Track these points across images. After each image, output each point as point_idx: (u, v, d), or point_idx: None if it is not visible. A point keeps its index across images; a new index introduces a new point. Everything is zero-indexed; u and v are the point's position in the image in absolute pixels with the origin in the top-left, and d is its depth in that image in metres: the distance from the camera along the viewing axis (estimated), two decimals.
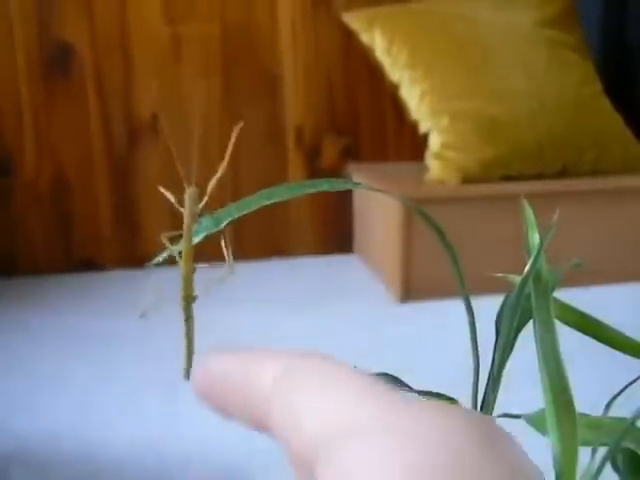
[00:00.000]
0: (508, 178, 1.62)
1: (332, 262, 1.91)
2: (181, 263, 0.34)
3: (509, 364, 0.34)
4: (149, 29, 1.78)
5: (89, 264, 1.83)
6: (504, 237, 1.58)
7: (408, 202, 0.31)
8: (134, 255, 1.83)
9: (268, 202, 0.26)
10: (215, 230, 0.32)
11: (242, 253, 1.88)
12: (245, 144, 1.85)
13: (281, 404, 0.20)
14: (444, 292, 1.52)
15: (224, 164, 0.32)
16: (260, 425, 0.21)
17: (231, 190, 1.86)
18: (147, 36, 1.78)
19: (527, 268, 0.31)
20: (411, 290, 1.54)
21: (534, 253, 0.31)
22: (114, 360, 1.26)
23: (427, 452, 0.17)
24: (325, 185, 0.34)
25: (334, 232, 1.96)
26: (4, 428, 1.01)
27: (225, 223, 0.31)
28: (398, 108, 1.86)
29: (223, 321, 1.40)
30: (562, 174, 1.67)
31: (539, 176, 1.64)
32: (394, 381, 0.38)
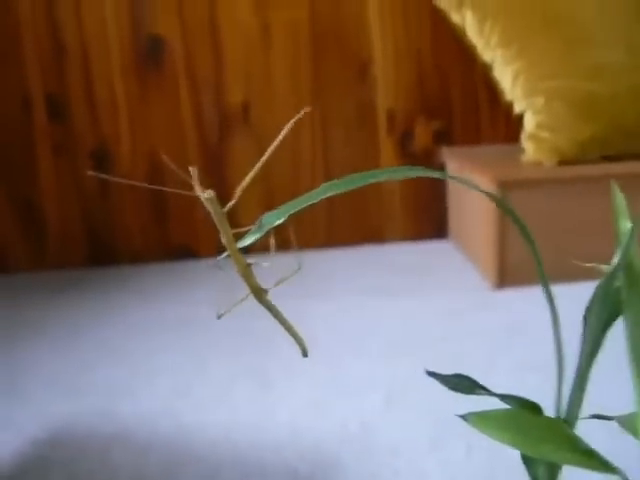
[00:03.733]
0: (608, 158, 1.56)
1: (426, 248, 1.88)
2: (234, 262, 0.33)
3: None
4: (238, 18, 1.78)
5: (186, 252, 1.87)
6: (603, 220, 1.52)
7: (485, 191, 0.29)
8: None
9: (332, 194, 0.24)
10: (277, 224, 0.31)
11: (335, 239, 1.88)
12: (335, 129, 1.84)
13: None
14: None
15: (253, 172, 0.31)
16: None
17: (323, 175, 1.85)
18: (236, 25, 1.79)
19: (616, 258, 0.28)
20: (507, 276, 1.50)
21: (624, 242, 0.29)
22: (210, 348, 1.27)
23: None
24: (410, 172, 0.33)
25: (427, 217, 1.94)
26: (106, 412, 1.04)
27: (285, 219, 0.30)
28: (491, 89, 1.81)
29: (319, 309, 1.40)
30: None
31: None
32: (470, 383, 0.37)
